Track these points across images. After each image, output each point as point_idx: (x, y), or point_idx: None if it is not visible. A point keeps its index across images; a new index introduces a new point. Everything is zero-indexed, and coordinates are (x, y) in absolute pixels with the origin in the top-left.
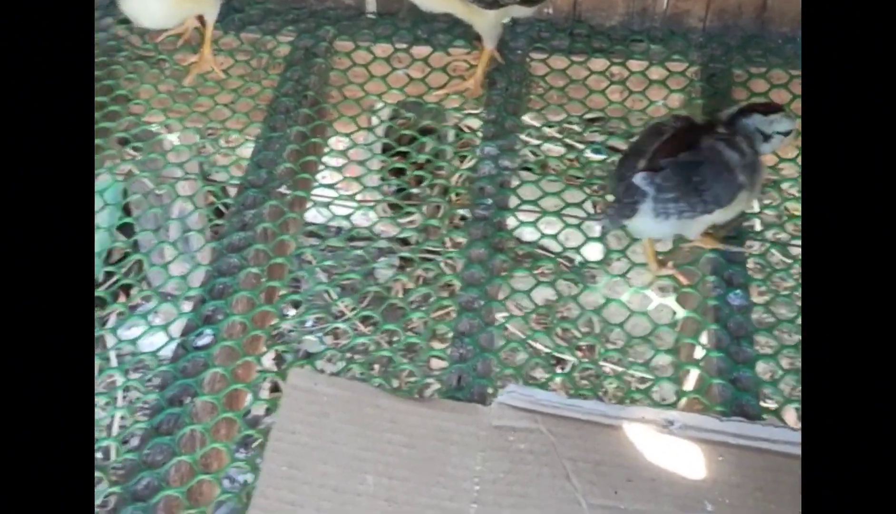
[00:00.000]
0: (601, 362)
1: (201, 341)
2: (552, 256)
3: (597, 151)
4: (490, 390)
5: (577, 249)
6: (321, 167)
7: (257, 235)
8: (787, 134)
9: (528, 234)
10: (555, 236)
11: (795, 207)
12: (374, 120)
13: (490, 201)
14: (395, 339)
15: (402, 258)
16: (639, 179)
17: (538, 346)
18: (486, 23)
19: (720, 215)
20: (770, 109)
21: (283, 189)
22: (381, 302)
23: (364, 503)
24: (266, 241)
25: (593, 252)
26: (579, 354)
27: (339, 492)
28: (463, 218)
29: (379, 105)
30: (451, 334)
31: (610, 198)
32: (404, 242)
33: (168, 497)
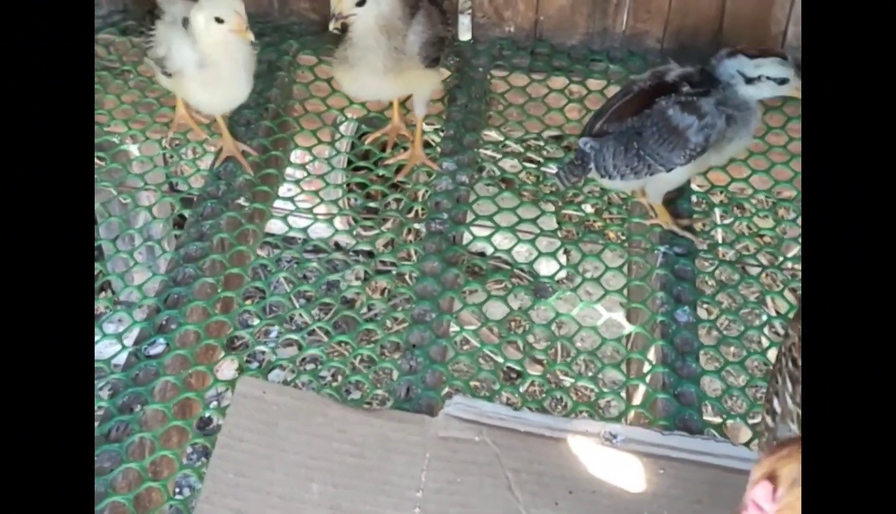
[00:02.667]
0: (557, 373)
1: (153, 350)
2: (507, 268)
3: None
4: (438, 403)
5: (530, 264)
6: (283, 180)
7: (214, 245)
8: (780, 81)
9: (483, 248)
10: (508, 251)
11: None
12: (338, 135)
13: (445, 216)
14: (351, 351)
15: (366, 271)
16: (581, 143)
17: (495, 358)
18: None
19: (683, 173)
20: (760, 53)
21: (241, 201)
22: (342, 314)
23: (309, 511)
24: (223, 251)
25: (548, 267)
26: (537, 367)
27: (285, 500)
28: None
29: (342, 121)
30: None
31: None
32: (370, 254)
33: (114, 503)
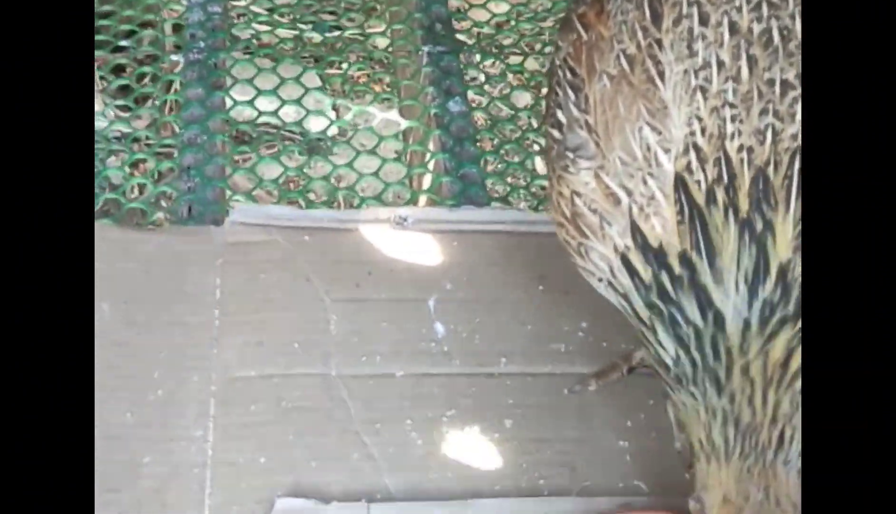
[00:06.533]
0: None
1: None
2: (275, 131)
3: (321, 29)
4: (223, 216)
5: (299, 123)
6: None
7: None
8: None
9: (248, 113)
10: (275, 113)
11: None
12: None
13: (202, 45)
14: None
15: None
16: None
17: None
18: None
19: None
20: None
21: None
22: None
23: (102, 328)
24: None
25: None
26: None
27: None
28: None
29: None
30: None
31: None
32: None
33: None
